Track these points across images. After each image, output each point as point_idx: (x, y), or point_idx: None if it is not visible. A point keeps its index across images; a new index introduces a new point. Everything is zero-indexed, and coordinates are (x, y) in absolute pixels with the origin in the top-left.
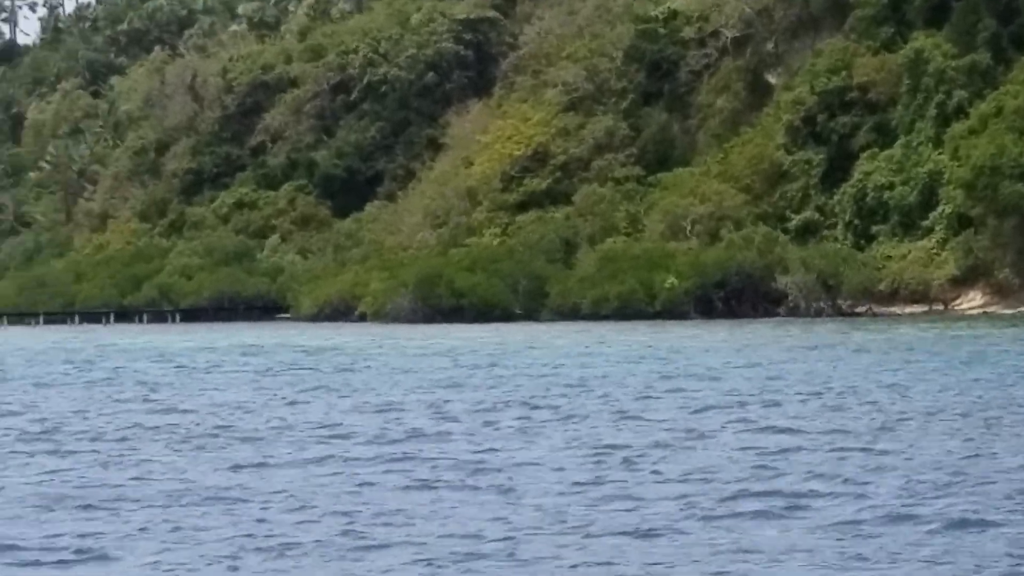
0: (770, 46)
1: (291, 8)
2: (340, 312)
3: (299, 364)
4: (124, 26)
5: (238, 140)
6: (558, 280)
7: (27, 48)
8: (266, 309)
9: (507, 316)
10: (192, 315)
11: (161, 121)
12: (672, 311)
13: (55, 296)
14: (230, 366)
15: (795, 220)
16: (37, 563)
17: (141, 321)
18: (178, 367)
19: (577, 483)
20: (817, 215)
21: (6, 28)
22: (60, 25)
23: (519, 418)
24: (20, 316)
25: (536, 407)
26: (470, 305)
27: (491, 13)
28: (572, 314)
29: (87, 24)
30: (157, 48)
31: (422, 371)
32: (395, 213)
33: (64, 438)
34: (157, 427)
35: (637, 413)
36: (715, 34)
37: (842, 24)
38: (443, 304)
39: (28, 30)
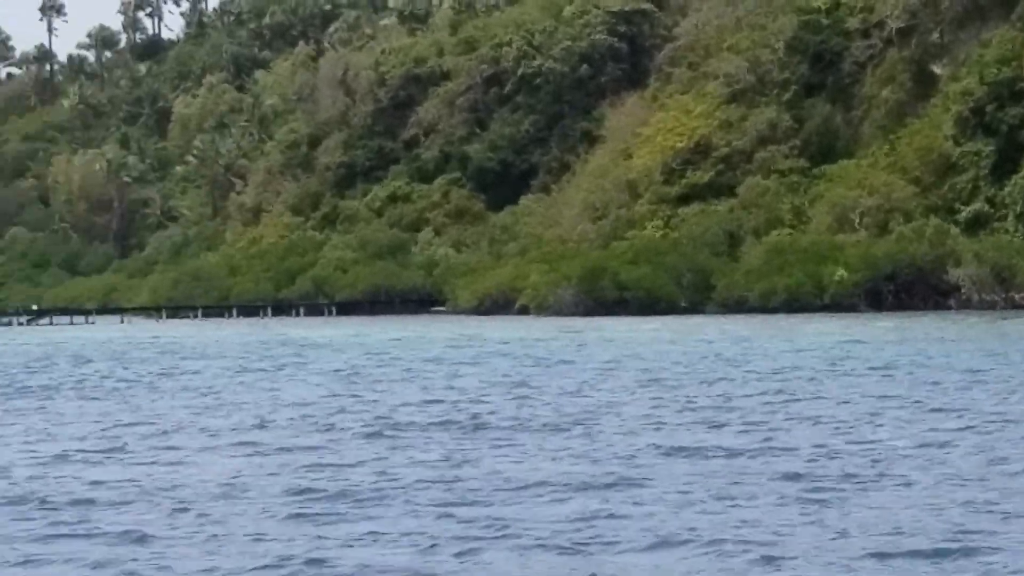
0: (935, 36)
1: (434, 2)
2: (499, 305)
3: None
4: (268, 20)
5: (391, 133)
6: (724, 273)
7: (171, 43)
8: (421, 302)
9: (671, 309)
10: (348, 308)
11: (313, 115)
12: (841, 304)
13: (210, 290)
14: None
15: (965, 212)
16: None
17: (297, 314)
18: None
19: None
20: (987, 207)
21: (151, 23)
22: (204, 20)
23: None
24: (177, 310)
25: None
26: (634, 298)
27: (645, 5)
28: (738, 307)
29: (231, 18)
30: (301, 42)
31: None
32: (552, 206)
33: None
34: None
35: None
36: (879, 24)
37: (1009, 14)
38: (607, 297)
39: (172, 25)
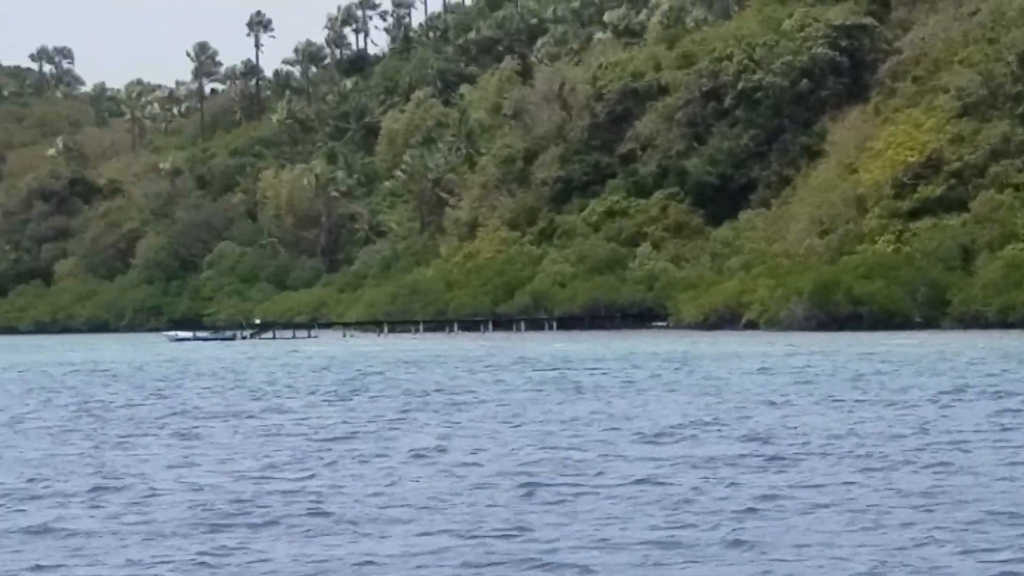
0: None
1: (644, 16)
2: (725, 320)
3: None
4: (473, 35)
5: (607, 148)
6: (960, 288)
7: (377, 58)
8: (641, 317)
9: (906, 324)
10: (568, 323)
11: (528, 129)
12: None
13: (428, 304)
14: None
15: None
16: None
17: (518, 329)
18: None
19: None
20: None
21: (356, 39)
22: (410, 35)
23: None
24: (396, 324)
25: None
26: (868, 312)
27: (866, 19)
28: (975, 322)
29: (437, 34)
30: (507, 57)
31: None
32: (775, 220)
33: None
34: None
35: None
36: None
37: None
38: (840, 311)
39: (378, 40)
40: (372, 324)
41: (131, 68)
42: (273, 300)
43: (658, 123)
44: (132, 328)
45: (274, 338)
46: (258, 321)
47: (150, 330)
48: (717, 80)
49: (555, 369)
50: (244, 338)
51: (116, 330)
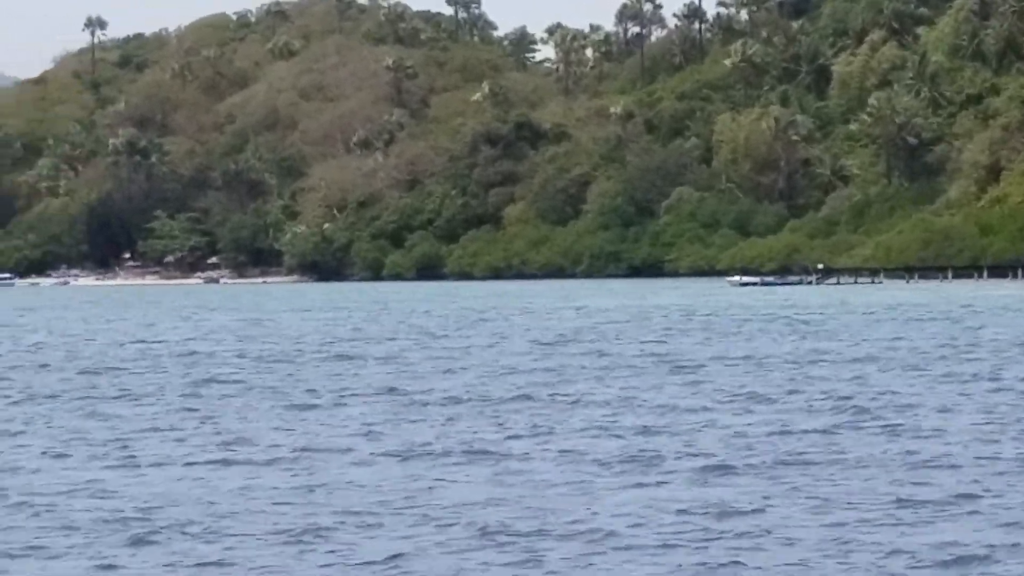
0: None
1: None
2: None
3: None
4: None
5: None
6: None
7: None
8: None
9: None
10: None
11: None
12: None
13: (963, 250)
14: None
15: None
16: None
17: None
18: None
19: None
20: None
21: None
22: None
23: None
24: (925, 271)
25: None
26: None
27: None
28: None
29: None
30: None
31: None
32: None
33: None
34: None
35: None
36: None
37: None
38: None
39: None
40: (901, 271)
41: (538, 12)
42: (740, 247)
43: None
44: (589, 274)
45: (838, 283)
46: (820, 266)
47: (608, 276)
48: None
49: None
50: (809, 283)
51: (572, 276)
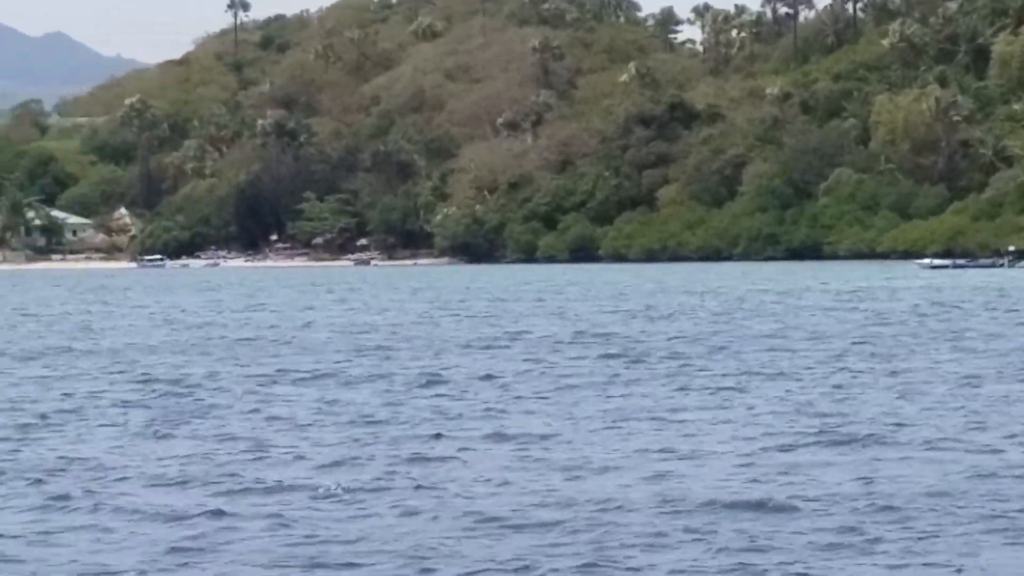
0: None
1: None
2: None
3: None
4: None
5: None
6: None
7: None
8: None
9: None
10: None
11: None
12: None
13: None
14: None
15: None
16: None
17: None
18: None
19: None
20: None
21: None
22: None
23: None
24: None
25: None
26: None
27: None
28: None
29: None
30: None
31: None
32: None
33: None
34: None
35: None
36: None
37: None
38: None
39: None
40: None
41: None
42: (902, 228)
43: None
44: (747, 256)
45: None
46: (1012, 248)
47: (765, 258)
48: None
49: None
50: (1001, 265)
51: (728, 258)
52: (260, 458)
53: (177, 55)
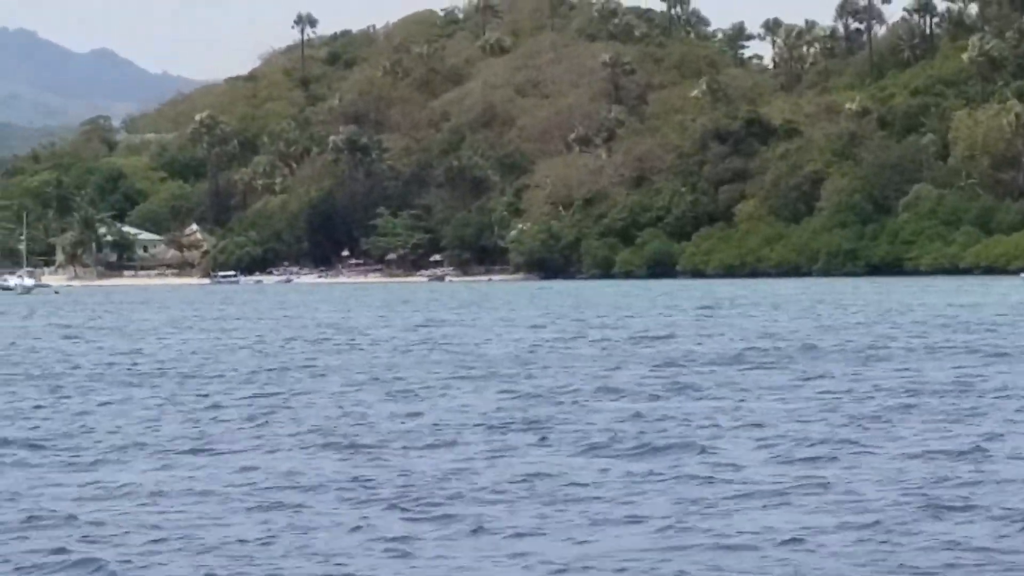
0: None
1: None
2: None
3: None
4: None
5: None
6: None
7: None
8: None
9: None
10: None
11: None
12: None
13: None
14: None
15: None
16: None
17: None
18: None
19: None
20: None
21: None
22: None
23: None
24: None
25: None
26: None
27: None
28: None
29: None
30: None
31: None
32: None
33: None
34: None
35: None
36: None
37: None
38: None
39: None
40: None
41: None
42: (984, 244)
43: None
44: (827, 272)
45: None
46: None
47: (845, 274)
48: None
49: None
50: None
51: (808, 274)
52: None
53: (224, 73)
